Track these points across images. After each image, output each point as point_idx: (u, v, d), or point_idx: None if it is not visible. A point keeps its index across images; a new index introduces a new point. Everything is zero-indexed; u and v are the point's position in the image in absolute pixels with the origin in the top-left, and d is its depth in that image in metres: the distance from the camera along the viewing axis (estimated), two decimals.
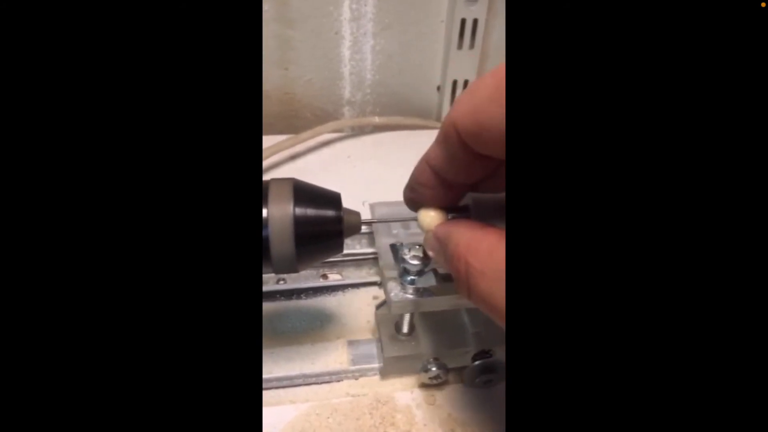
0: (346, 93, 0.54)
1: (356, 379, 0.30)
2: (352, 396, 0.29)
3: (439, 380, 0.29)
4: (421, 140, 0.52)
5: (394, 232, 0.32)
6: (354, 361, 0.30)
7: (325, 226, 0.22)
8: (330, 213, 0.22)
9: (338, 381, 0.30)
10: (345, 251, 0.38)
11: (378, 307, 0.32)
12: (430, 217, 0.22)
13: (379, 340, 0.31)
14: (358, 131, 0.53)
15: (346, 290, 0.36)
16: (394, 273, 0.28)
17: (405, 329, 0.30)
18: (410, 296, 0.26)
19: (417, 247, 0.27)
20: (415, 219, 0.23)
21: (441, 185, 0.22)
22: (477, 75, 0.53)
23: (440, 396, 0.29)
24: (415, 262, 0.27)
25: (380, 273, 0.32)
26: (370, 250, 0.38)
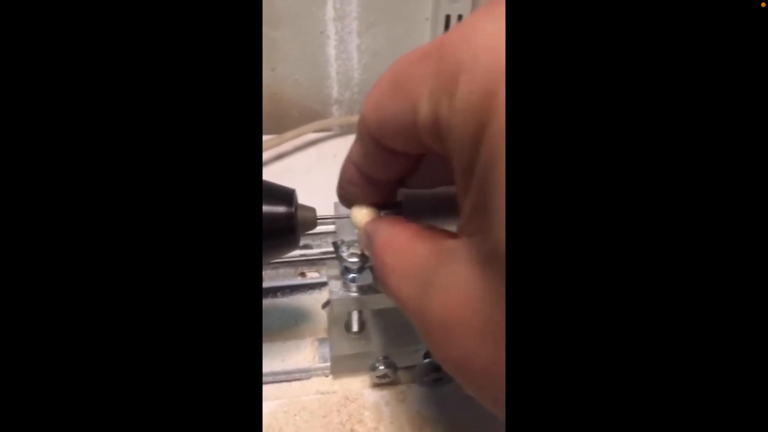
0: (334, 92, 0.54)
1: (326, 376, 0.30)
2: (322, 393, 0.29)
3: (388, 379, 0.29)
4: None
5: (355, 230, 0.32)
6: (323, 359, 0.30)
7: (275, 223, 0.22)
8: (281, 209, 0.22)
9: (308, 378, 0.30)
10: (323, 249, 0.38)
11: (323, 306, 0.32)
12: (362, 214, 0.22)
13: (329, 339, 0.30)
14: (346, 130, 0.53)
15: (323, 288, 0.35)
16: (337, 271, 0.27)
17: (355, 327, 0.30)
18: (352, 294, 0.26)
19: (356, 244, 0.27)
20: None
21: (367, 183, 0.21)
22: None
23: (410, 393, 0.29)
24: (354, 259, 0.27)
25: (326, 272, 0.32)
26: None
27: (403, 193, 0.22)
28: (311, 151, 0.50)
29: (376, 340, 0.30)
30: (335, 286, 0.27)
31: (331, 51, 0.51)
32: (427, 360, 0.29)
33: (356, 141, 0.21)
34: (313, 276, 0.37)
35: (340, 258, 0.27)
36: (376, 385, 0.29)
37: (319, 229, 0.35)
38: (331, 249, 0.37)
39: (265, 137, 0.47)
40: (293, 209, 0.23)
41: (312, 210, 0.24)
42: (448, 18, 0.49)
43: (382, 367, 0.29)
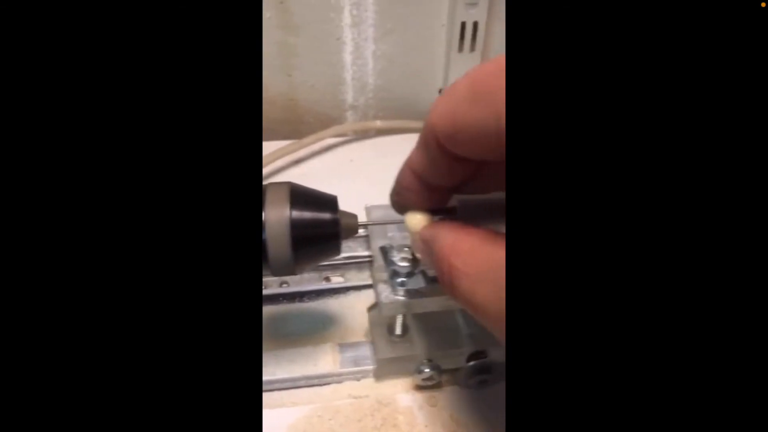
0: (349, 98, 0.54)
1: (358, 380, 0.30)
2: (354, 398, 0.29)
3: (433, 382, 0.29)
4: None
5: (390, 234, 0.32)
6: (350, 363, 0.31)
7: (321, 228, 0.23)
8: (326, 216, 0.23)
9: (339, 383, 0.30)
10: (347, 254, 0.38)
11: (369, 309, 0.32)
12: (417, 219, 0.23)
13: (372, 343, 0.31)
14: (361, 135, 0.53)
15: (348, 293, 0.36)
16: (385, 275, 0.28)
17: (398, 331, 0.30)
18: (400, 298, 0.27)
19: (406, 249, 0.28)
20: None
21: (425, 188, 0.22)
22: None
23: (442, 398, 0.30)
24: (404, 264, 0.27)
25: (372, 275, 0.32)
26: (370, 252, 0.38)
27: (457, 198, 0.23)
28: (328, 155, 0.50)
29: (419, 343, 0.30)
30: (383, 289, 0.27)
31: (347, 57, 0.52)
32: (471, 363, 0.29)
33: (418, 148, 0.21)
34: (337, 280, 0.37)
35: (390, 262, 0.27)
36: (420, 388, 0.30)
37: None
38: (355, 254, 0.38)
39: (282, 143, 0.47)
40: (338, 216, 0.23)
41: (354, 216, 0.24)
42: (463, 25, 0.50)
43: (427, 370, 0.29)
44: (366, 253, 0.38)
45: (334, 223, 0.23)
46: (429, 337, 0.30)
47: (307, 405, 0.29)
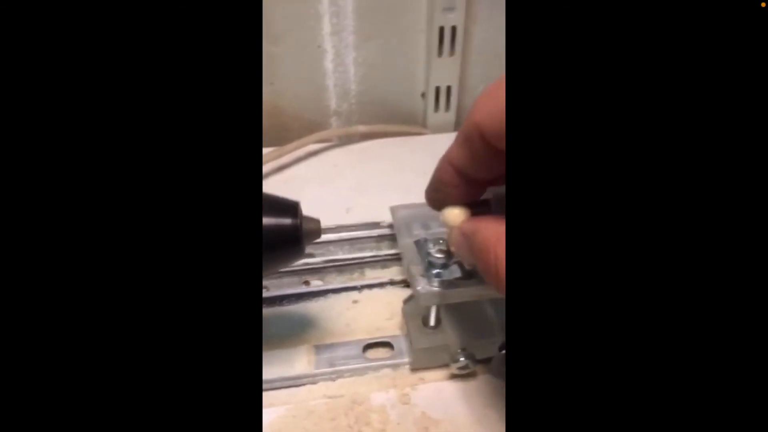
0: (332, 104, 0.55)
1: (333, 381, 0.31)
2: (329, 398, 0.30)
3: (468, 370, 0.30)
4: (407, 146, 0.54)
5: (415, 232, 0.34)
6: (325, 364, 0.31)
7: (281, 234, 0.23)
8: (286, 221, 0.24)
9: (314, 384, 0.31)
10: (326, 257, 0.39)
11: (405, 301, 0.33)
12: (455, 214, 0.25)
13: (408, 334, 0.32)
14: (345, 141, 0.54)
15: (327, 296, 0.37)
16: (420, 268, 0.30)
17: (432, 322, 0.31)
18: (436, 289, 0.28)
19: (441, 241, 0.29)
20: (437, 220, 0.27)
21: (464, 183, 0.24)
22: (459, 81, 0.54)
23: (414, 396, 0.30)
24: (440, 255, 0.29)
25: (405, 271, 0.34)
26: (350, 255, 0.39)
27: (491, 191, 0.24)
28: (312, 161, 0.51)
29: (453, 334, 0.31)
30: (420, 281, 0.29)
31: (329, 65, 0.53)
32: (503, 351, 0.30)
33: (459, 144, 0.23)
34: (317, 284, 0.38)
35: (427, 254, 0.29)
36: (455, 376, 0.31)
37: (324, 237, 0.36)
38: (334, 257, 0.39)
39: (265, 149, 0.48)
40: (299, 221, 0.24)
41: (316, 221, 0.25)
42: (441, 29, 0.51)
43: (462, 359, 0.30)
44: (344, 257, 0.39)
45: (295, 228, 0.24)
46: (462, 327, 0.31)
47: (282, 406, 0.30)
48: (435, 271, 0.29)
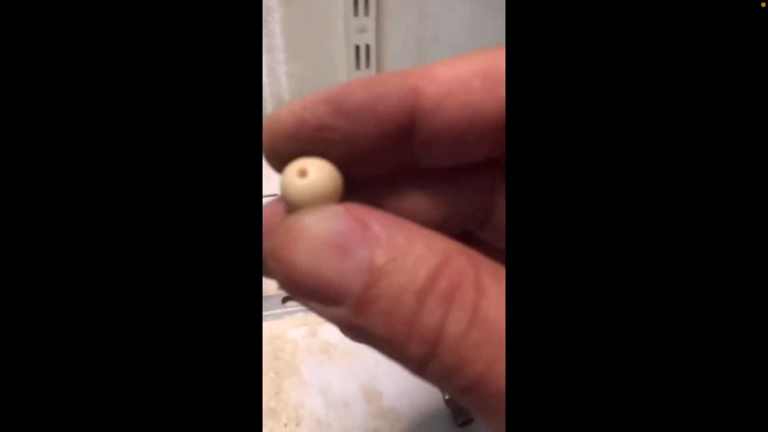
0: (269, 112, 0.64)
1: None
2: None
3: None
4: None
5: None
6: None
7: None
8: None
9: None
10: None
11: None
12: (315, 180, 0.15)
13: None
14: None
15: None
16: None
17: None
18: None
19: None
20: None
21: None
22: None
23: (321, 330, 0.40)
24: None
25: None
26: None
27: None
28: None
29: None
30: None
31: (265, 78, 0.62)
32: None
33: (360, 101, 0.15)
34: None
35: None
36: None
37: None
38: None
39: None
40: None
41: None
42: (357, 47, 0.61)
43: None
44: None
45: None
46: None
47: None
48: None
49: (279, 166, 0.14)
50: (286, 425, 0.34)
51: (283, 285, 0.12)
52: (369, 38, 0.60)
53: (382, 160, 0.14)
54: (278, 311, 0.41)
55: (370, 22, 0.59)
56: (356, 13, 0.59)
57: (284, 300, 0.42)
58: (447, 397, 0.35)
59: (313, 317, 0.40)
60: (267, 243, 0.12)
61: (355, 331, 0.12)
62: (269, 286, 0.42)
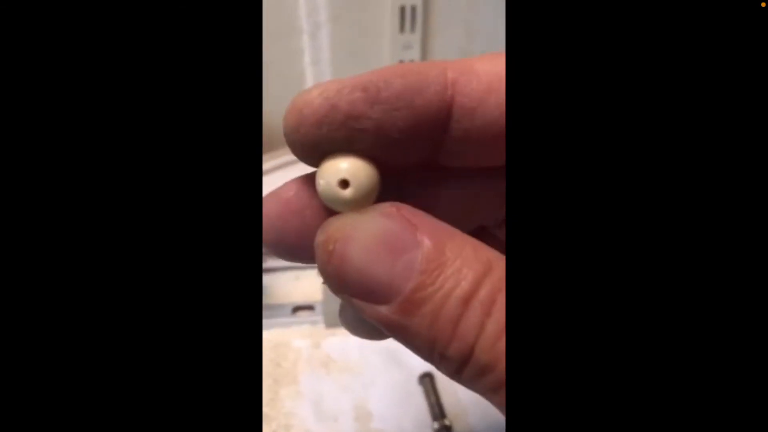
0: None
1: (268, 330, 0.42)
2: (263, 340, 0.41)
3: None
4: None
5: None
6: (265, 317, 0.42)
7: None
8: None
9: None
10: None
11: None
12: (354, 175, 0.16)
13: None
14: None
15: (275, 272, 0.47)
16: None
17: None
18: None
19: None
20: None
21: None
22: None
23: (324, 344, 0.41)
24: None
25: None
26: None
27: None
28: (298, 167, 0.63)
29: None
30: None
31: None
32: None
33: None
34: (270, 264, 0.49)
35: None
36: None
37: None
38: None
39: None
40: None
41: None
42: (402, 63, 0.61)
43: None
44: None
45: None
46: None
47: None
48: None
49: (299, 150, 0.14)
50: None
51: (330, 279, 0.13)
52: (414, 54, 0.61)
53: (409, 153, 0.13)
54: (287, 320, 0.42)
55: (415, 38, 0.60)
56: (402, 30, 0.59)
57: (294, 310, 0.43)
58: (436, 426, 0.35)
59: (319, 330, 0.42)
60: (319, 236, 0.13)
61: (394, 330, 0.12)
62: (279, 295, 0.44)
